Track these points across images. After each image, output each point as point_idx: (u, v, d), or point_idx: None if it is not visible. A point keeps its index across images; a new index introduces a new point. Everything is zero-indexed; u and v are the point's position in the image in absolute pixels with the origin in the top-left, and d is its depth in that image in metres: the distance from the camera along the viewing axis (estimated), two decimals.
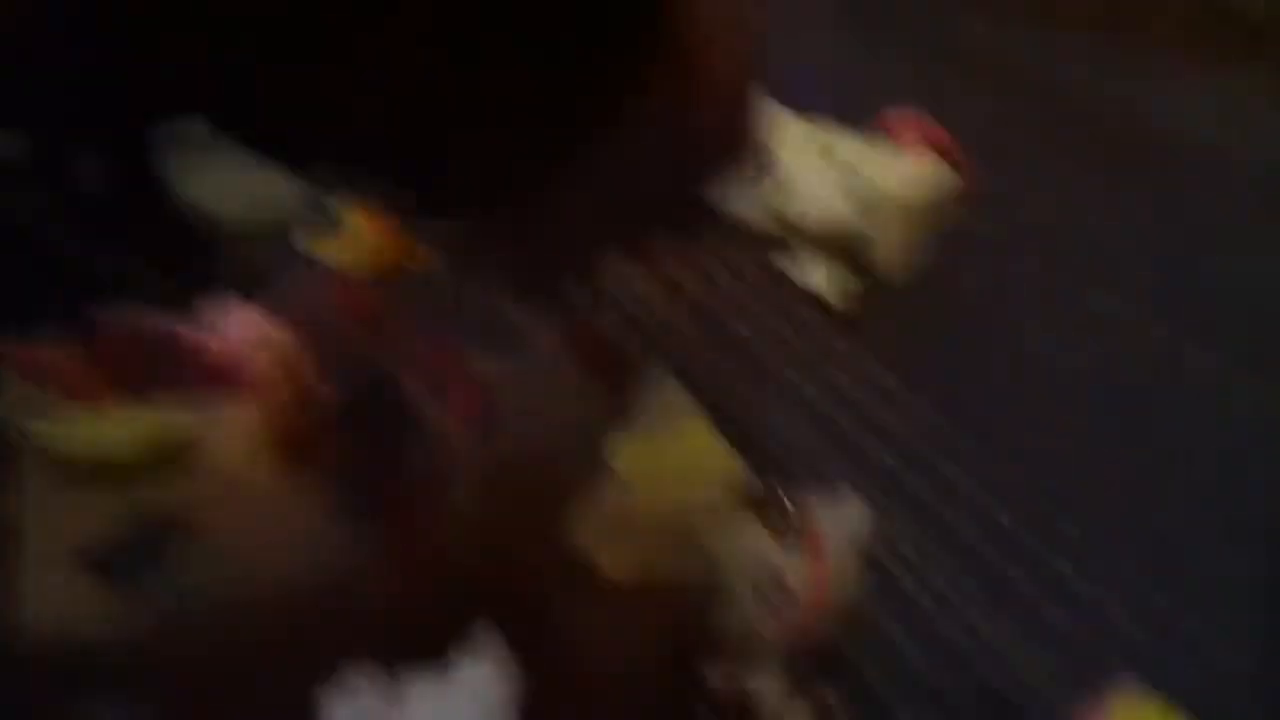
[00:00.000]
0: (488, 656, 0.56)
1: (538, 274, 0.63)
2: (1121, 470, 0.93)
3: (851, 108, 1.21)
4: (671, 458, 0.76)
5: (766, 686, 0.69)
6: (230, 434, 0.76)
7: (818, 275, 1.14)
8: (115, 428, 0.73)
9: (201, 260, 0.76)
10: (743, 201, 1.14)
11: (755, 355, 1.09)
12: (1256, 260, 1.17)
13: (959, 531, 0.88)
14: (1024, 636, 0.78)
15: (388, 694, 0.53)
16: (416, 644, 0.57)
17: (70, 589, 0.63)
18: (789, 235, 1.17)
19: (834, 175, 1.14)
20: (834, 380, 1.06)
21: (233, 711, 0.63)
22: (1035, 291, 1.17)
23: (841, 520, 0.67)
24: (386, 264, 0.99)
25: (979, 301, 1.19)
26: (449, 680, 0.56)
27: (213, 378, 0.85)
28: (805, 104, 1.19)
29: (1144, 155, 1.26)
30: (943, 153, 1.17)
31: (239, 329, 0.88)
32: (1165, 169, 1.24)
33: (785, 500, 0.66)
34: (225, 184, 0.66)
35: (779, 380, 1.06)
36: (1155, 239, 1.22)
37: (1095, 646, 0.76)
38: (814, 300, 1.17)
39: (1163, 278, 1.18)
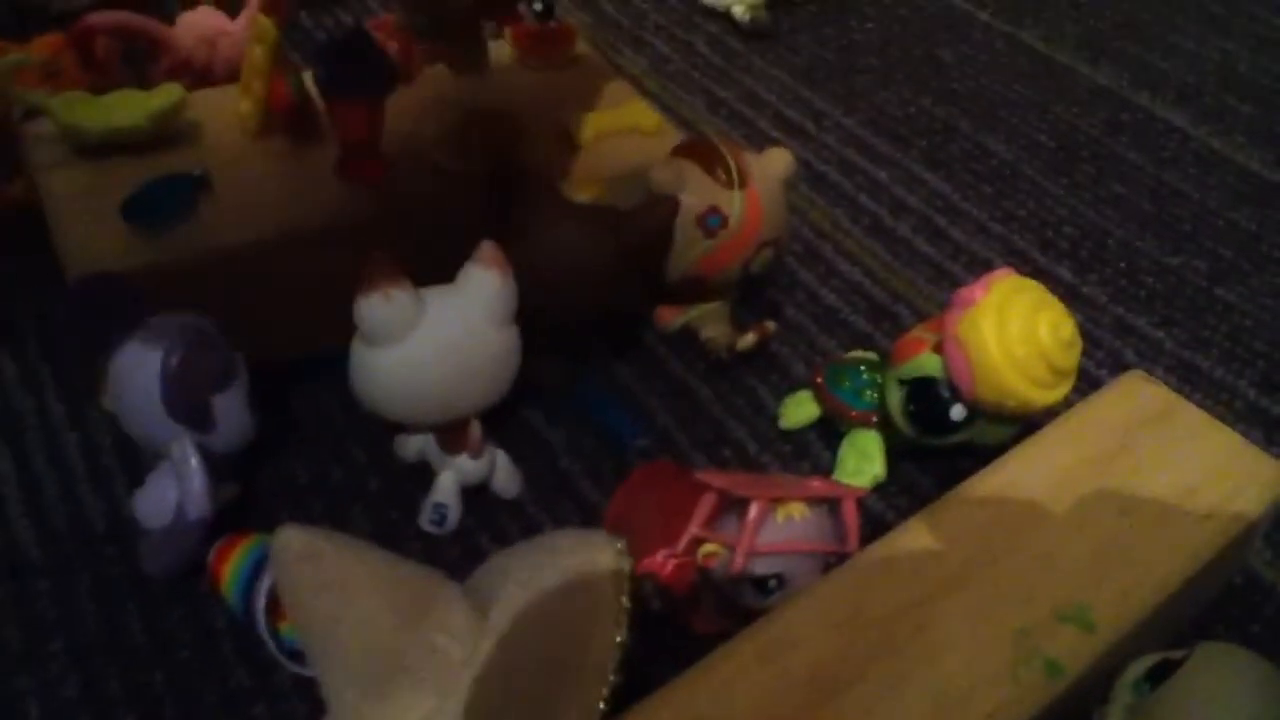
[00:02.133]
0: (488, 265, 0.68)
1: None
2: (975, 141, 1.09)
3: None
4: (619, 123, 0.88)
5: (717, 328, 0.84)
6: (222, 109, 0.85)
7: None
8: (120, 105, 0.81)
9: None
10: None
11: (675, 68, 1.21)
12: None
13: (856, 199, 1.03)
14: (905, 266, 0.95)
15: (416, 299, 0.65)
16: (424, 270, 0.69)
17: (108, 238, 0.73)
18: None
19: None
20: (748, 87, 1.19)
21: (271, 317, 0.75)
22: (948, 14, 1.30)
23: (769, 164, 0.81)
24: None
25: (883, 15, 1.31)
26: (460, 285, 0.68)
27: (186, 65, 0.94)
28: None
29: None
30: None
31: (201, 22, 0.96)
32: None
33: (721, 148, 0.79)
34: None
35: (697, 86, 1.18)
36: None
37: (963, 271, 0.93)
38: (723, 17, 1.28)
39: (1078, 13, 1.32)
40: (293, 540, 0.48)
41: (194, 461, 0.63)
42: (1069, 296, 0.89)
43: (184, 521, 0.64)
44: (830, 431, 0.78)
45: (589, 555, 0.49)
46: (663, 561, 0.63)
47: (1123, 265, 0.96)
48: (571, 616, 0.48)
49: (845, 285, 0.92)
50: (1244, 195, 1.04)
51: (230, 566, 0.61)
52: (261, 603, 0.58)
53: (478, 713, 0.46)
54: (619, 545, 0.49)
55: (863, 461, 0.75)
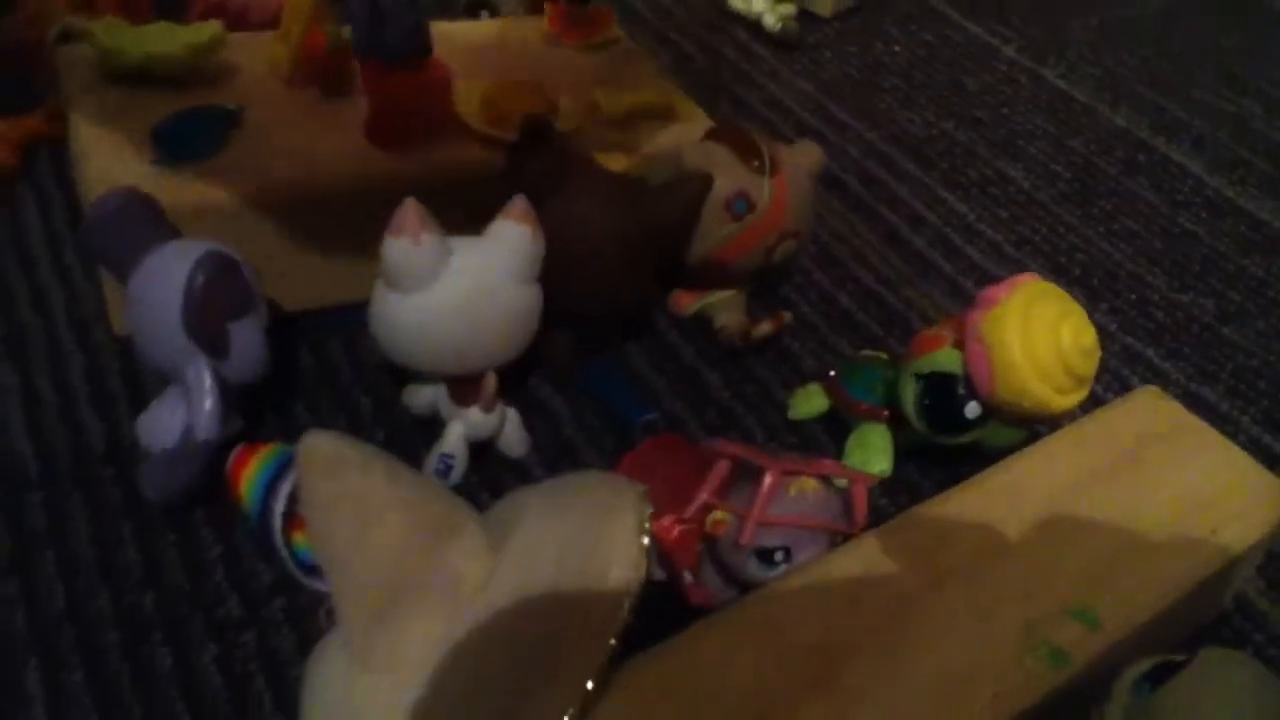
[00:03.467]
0: (518, 219, 0.68)
1: None
2: (995, 167, 1.10)
3: None
4: (651, 105, 0.88)
5: (730, 316, 0.85)
6: (258, 54, 0.85)
7: (758, 4, 1.25)
8: (159, 36, 0.81)
9: None
10: None
11: (699, 68, 1.21)
12: None
13: (875, 209, 1.04)
14: (919, 277, 0.96)
15: (443, 246, 0.65)
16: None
17: (132, 165, 0.72)
18: None
19: None
20: (772, 93, 1.20)
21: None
22: (973, 45, 1.32)
23: (800, 156, 0.81)
24: None
25: (909, 40, 1.32)
26: (489, 237, 0.68)
27: (220, 10, 0.94)
28: None
29: None
30: None
31: None
32: None
33: (753, 135, 0.79)
34: None
35: (721, 87, 1.19)
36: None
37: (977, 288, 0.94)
38: (754, 26, 1.29)
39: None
40: (320, 445, 0.47)
41: (208, 382, 0.62)
42: None
43: (190, 444, 0.63)
44: (837, 426, 0.78)
45: (611, 495, 0.49)
46: (669, 527, 0.62)
47: (1133, 297, 0.97)
48: (589, 553, 0.47)
49: (860, 289, 0.93)
50: (1254, 243, 1.05)
51: (250, 471, 0.60)
52: (279, 508, 0.57)
53: (489, 641, 0.45)
54: (641, 489, 0.49)
55: (869, 456, 0.75)
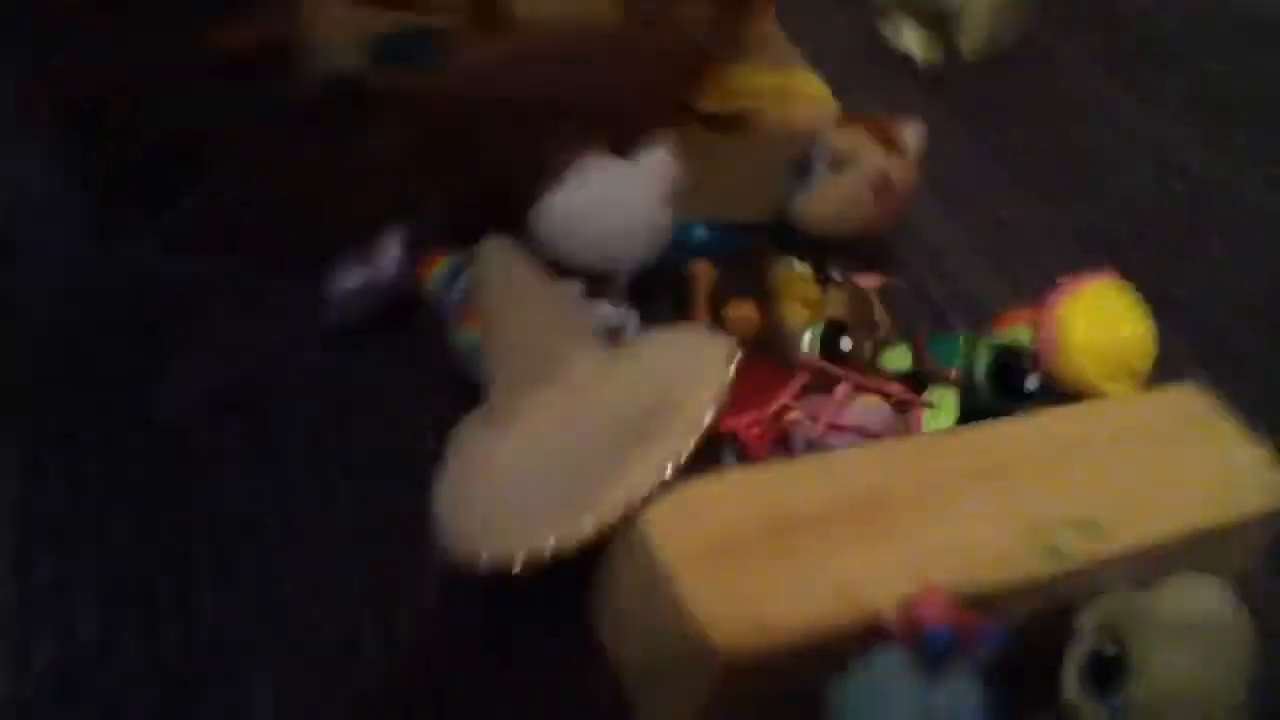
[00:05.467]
0: (668, 150, 0.81)
1: None
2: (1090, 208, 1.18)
3: None
4: (790, 85, 1.00)
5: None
6: None
7: (910, 39, 1.36)
8: None
9: None
10: None
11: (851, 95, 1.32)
12: None
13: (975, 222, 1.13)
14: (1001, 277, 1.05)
15: (600, 166, 0.79)
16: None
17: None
18: (890, 4, 1.38)
19: None
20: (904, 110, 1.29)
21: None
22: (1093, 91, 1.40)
23: (913, 136, 0.92)
24: None
25: (1041, 83, 1.41)
26: (641, 160, 0.81)
27: None
28: None
29: None
30: None
31: None
32: None
33: (882, 119, 0.90)
34: None
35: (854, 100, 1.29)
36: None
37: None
38: (904, 60, 1.40)
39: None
40: (501, 242, 0.64)
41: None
42: None
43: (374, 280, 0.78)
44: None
45: (709, 338, 0.61)
46: (748, 425, 0.73)
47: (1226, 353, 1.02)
48: (685, 369, 0.62)
49: (947, 276, 1.02)
50: None
51: (435, 269, 0.75)
52: (455, 299, 0.72)
53: (593, 419, 0.58)
54: (733, 340, 0.62)
55: (936, 412, 0.84)
